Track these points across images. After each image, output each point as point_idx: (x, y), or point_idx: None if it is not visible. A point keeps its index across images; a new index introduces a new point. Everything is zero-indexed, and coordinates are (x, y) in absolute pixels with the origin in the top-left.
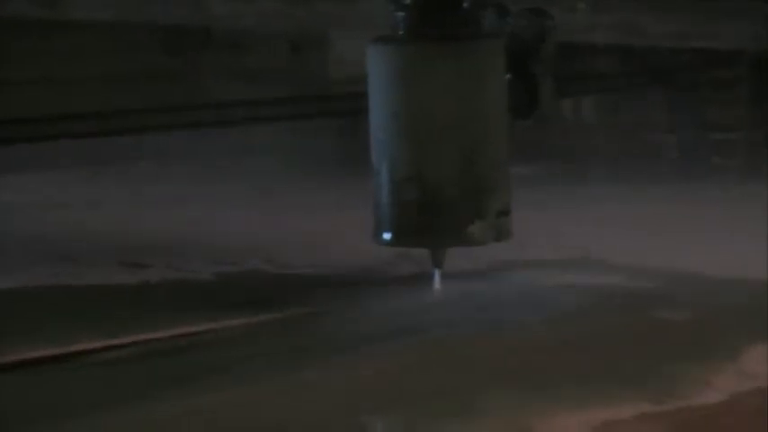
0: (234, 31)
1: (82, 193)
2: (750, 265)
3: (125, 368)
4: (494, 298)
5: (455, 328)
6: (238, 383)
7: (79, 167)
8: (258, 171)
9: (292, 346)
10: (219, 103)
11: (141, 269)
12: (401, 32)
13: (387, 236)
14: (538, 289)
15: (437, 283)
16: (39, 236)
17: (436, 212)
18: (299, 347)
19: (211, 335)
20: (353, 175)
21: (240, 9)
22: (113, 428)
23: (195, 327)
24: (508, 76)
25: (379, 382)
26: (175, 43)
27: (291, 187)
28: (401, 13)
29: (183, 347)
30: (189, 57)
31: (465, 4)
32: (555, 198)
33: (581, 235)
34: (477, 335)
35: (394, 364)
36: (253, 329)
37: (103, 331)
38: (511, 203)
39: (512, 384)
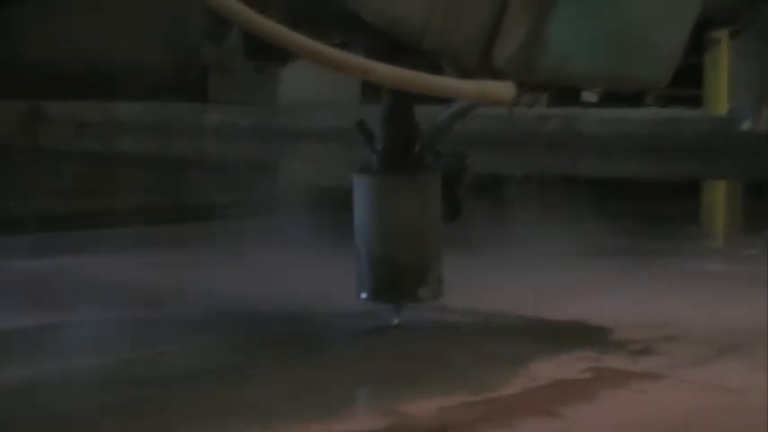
0: (219, 159)
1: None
2: (553, 309)
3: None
4: (369, 327)
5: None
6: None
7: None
8: (236, 249)
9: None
10: (209, 205)
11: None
12: (374, 167)
13: (364, 294)
14: (403, 322)
15: (395, 321)
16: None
17: (397, 280)
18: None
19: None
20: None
21: (224, 148)
22: None
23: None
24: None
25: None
26: (183, 166)
27: (258, 258)
28: (374, 156)
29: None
30: (191, 174)
31: (416, 150)
32: None
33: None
34: (355, 349)
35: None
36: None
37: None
38: (443, 274)
39: (379, 382)
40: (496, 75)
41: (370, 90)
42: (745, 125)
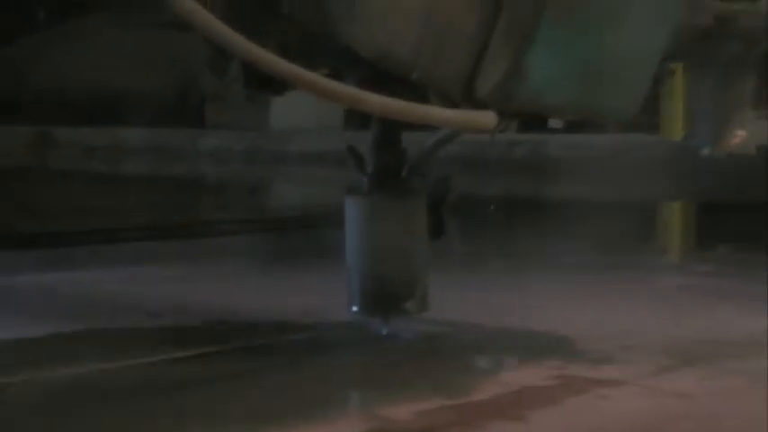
0: (215, 180)
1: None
2: (523, 321)
3: None
4: (358, 337)
5: (337, 354)
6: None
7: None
8: (232, 264)
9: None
10: (206, 223)
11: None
12: (364, 188)
13: (354, 308)
14: (390, 333)
15: (383, 333)
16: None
17: (386, 294)
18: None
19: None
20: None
21: (219, 170)
22: None
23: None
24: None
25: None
26: (182, 187)
27: (253, 272)
28: (364, 178)
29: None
30: (190, 195)
31: (403, 173)
32: None
33: None
34: (344, 357)
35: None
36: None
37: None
38: (429, 288)
39: (364, 388)
40: (478, 104)
41: (353, 117)
42: (705, 151)
